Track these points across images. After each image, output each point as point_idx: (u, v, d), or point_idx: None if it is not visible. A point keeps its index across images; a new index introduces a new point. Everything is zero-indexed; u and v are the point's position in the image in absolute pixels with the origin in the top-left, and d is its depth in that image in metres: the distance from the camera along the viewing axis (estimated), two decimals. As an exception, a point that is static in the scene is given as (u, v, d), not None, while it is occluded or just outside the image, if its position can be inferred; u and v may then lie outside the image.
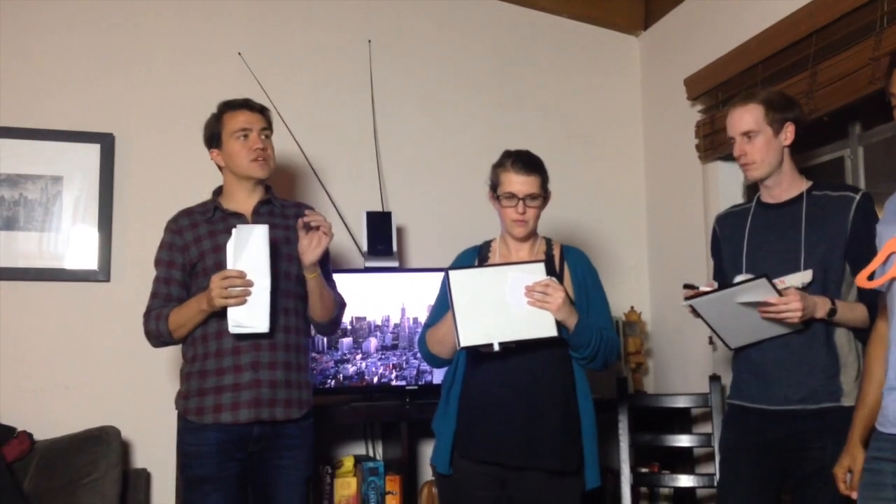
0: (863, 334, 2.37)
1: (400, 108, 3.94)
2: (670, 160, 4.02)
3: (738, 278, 2.42)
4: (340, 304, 2.82)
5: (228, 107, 2.75)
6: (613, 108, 4.26)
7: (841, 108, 2.95)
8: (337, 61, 3.89)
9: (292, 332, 2.68)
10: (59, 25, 3.56)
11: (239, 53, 3.67)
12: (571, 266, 2.64)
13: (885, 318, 2.08)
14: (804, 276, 2.37)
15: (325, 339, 3.40)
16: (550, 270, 2.54)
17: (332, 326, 2.86)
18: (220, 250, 2.60)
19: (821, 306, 2.31)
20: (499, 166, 2.62)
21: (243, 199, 2.74)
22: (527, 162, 2.58)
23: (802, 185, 2.49)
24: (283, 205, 2.81)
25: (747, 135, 2.46)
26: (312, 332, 2.90)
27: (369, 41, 3.88)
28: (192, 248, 2.67)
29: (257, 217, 2.72)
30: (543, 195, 2.60)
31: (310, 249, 2.60)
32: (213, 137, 2.75)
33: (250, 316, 2.48)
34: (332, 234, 2.64)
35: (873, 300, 2.20)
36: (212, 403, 2.57)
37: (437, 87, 4.02)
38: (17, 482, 2.97)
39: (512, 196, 2.55)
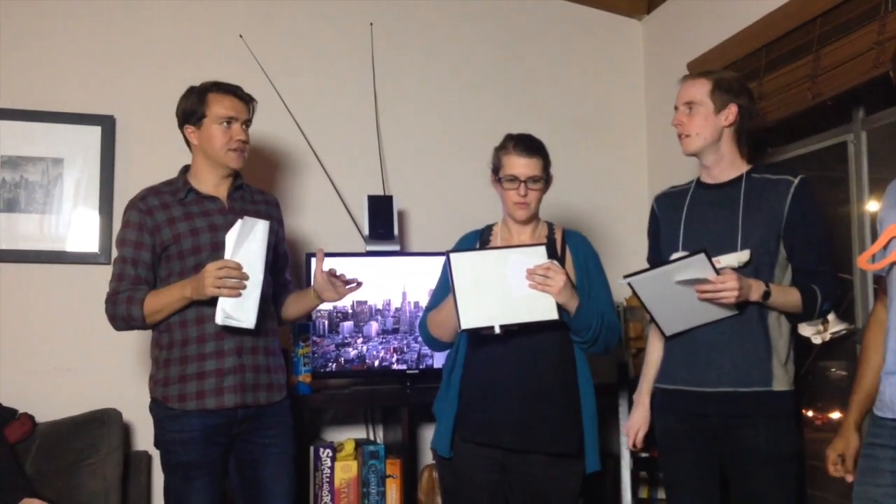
0: (795, 319, 2.38)
1: (402, 92, 3.92)
2: (673, 144, 3.96)
3: (675, 255, 2.41)
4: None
5: (217, 88, 2.68)
6: (616, 92, 4.24)
7: (844, 93, 2.93)
8: (339, 44, 3.88)
9: (268, 318, 2.70)
10: (60, 7, 3.55)
11: (240, 36, 3.65)
12: (573, 250, 2.64)
13: (884, 303, 2.08)
14: (741, 256, 2.38)
15: (326, 323, 3.41)
16: (552, 254, 2.53)
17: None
18: (197, 233, 2.58)
19: (755, 289, 2.32)
20: (501, 149, 2.61)
21: (215, 183, 2.70)
22: (529, 144, 2.57)
23: (742, 167, 2.50)
24: (251, 190, 2.81)
25: (689, 105, 2.48)
26: (313, 315, 2.94)
27: (371, 24, 3.86)
28: (164, 229, 2.60)
29: (232, 202, 2.70)
30: (545, 178, 2.59)
31: (330, 293, 2.70)
32: (193, 115, 2.67)
33: (240, 310, 2.46)
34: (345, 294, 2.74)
35: (811, 275, 2.22)
36: (194, 389, 2.54)
37: (438, 71, 4.00)
38: (18, 464, 2.98)
39: (514, 179, 2.54)
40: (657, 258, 2.59)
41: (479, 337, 2.50)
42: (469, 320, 2.39)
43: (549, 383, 2.51)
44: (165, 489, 2.63)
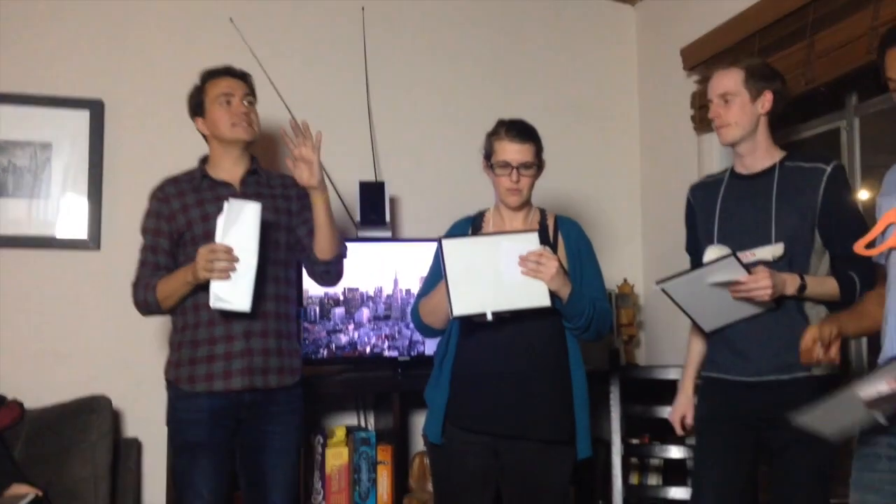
0: (834, 307, 2.37)
1: (393, 77, 3.90)
2: (665, 131, 4.00)
3: (708, 253, 2.42)
4: (343, 244, 2.79)
5: (210, 75, 2.75)
6: (609, 78, 4.23)
7: (838, 79, 2.92)
8: (330, 28, 3.85)
9: (282, 301, 2.68)
10: (46, -11, 3.51)
11: (230, 19, 3.62)
12: (565, 236, 2.63)
13: (883, 288, 2.08)
14: (775, 250, 2.37)
15: (318, 309, 3.39)
16: (544, 240, 2.52)
17: (337, 267, 2.77)
18: (208, 219, 2.58)
19: (790, 283, 2.31)
20: (493, 135, 2.59)
21: (230, 168, 2.73)
22: (521, 130, 2.56)
23: (776, 156, 2.49)
24: (268, 175, 2.80)
25: (724, 97, 2.45)
26: (305, 302, 2.87)
27: (363, 8, 3.83)
28: (179, 216, 2.66)
29: (245, 187, 2.71)
30: (537, 164, 2.58)
31: (307, 174, 2.56)
32: (197, 106, 2.74)
33: (233, 293, 2.46)
34: (316, 147, 2.59)
35: (851, 263, 2.20)
36: (204, 372, 2.58)
37: (430, 56, 3.98)
38: (7, 450, 2.96)
39: (506, 165, 2.53)
40: (695, 248, 2.59)
41: (471, 324, 2.49)
42: (461, 307, 2.38)
43: (540, 370, 2.51)
44: (172, 468, 2.68)
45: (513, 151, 2.53)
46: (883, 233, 1.98)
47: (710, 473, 2.49)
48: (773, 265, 2.34)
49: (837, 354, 2.04)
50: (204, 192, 2.69)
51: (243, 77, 2.76)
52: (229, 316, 2.56)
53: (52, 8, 3.51)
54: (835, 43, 2.89)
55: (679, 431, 2.71)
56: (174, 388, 2.64)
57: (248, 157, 2.77)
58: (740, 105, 2.44)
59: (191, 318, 2.62)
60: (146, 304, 2.64)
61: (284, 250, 2.71)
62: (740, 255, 2.30)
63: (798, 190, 2.39)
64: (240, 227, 2.46)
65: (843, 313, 2.15)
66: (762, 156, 2.49)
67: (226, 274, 2.44)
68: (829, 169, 2.37)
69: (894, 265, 1.98)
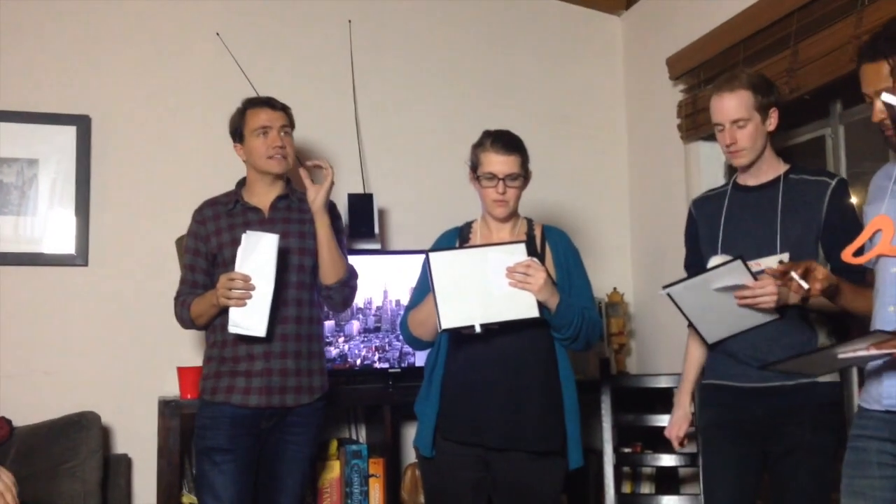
0: (837, 317, 2.37)
1: (381, 89, 3.90)
2: (652, 140, 4.01)
3: (713, 260, 2.42)
4: (351, 271, 2.87)
5: (252, 104, 2.84)
6: (596, 88, 4.24)
7: (822, 87, 2.94)
8: (317, 41, 3.85)
9: (304, 323, 2.78)
10: (32, 6, 3.50)
11: (217, 33, 3.62)
12: (553, 246, 2.63)
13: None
14: (780, 260, 2.37)
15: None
16: (532, 251, 2.52)
17: (343, 293, 2.84)
18: (237, 244, 2.66)
19: (794, 293, 2.30)
20: (478, 146, 2.60)
21: (263, 193, 2.84)
22: (507, 142, 2.56)
23: (780, 168, 2.49)
24: (300, 198, 2.85)
25: (737, 122, 2.43)
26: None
27: (350, 21, 3.84)
28: (212, 238, 2.79)
29: (274, 212, 2.81)
30: (524, 175, 2.59)
31: (315, 196, 2.71)
32: (237, 132, 2.84)
33: (249, 319, 2.58)
34: (331, 170, 2.74)
35: (850, 276, 2.20)
36: (226, 385, 2.70)
37: (417, 68, 3.98)
38: (-4, 469, 2.94)
39: (492, 176, 2.54)
40: (696, 262, 2.57)
41: (461, 336, 2.49)
42: (449, 320, 2.38)
43: (530, 381, 2.51)
44: (196, 474, 2.79)
45: (499, 163, 2.53)
46: (871, 239, 1.99)
47: (723, 482, 2.48)
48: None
49: (816, 289, 2.07)
50: (236, 217, 2.80)
51: (283, 109, 2.84)
52: (252, 338, 2.64)
53: (39, 25, 3.50)
54: (819, 51, 2.90)
55: (676, 447, 2.70)
56: (201, 398, 2.77)
57: (283, 182, 2.86)
58: (754, 129, 2.43)
59: (219, 336, 2.74)
60: (182, 320, 2.81)
61: (309, 273, 2.79)
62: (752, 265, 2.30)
63: (803, 202, 2.40)
64: (257, 257, 2.57)
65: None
66: (766, 168, 2.49)
67: (242, 301, 2.56)
68: (833, 183, 2.39)
69: (881, 271, 1.99)
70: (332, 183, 2.74)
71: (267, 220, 2.79)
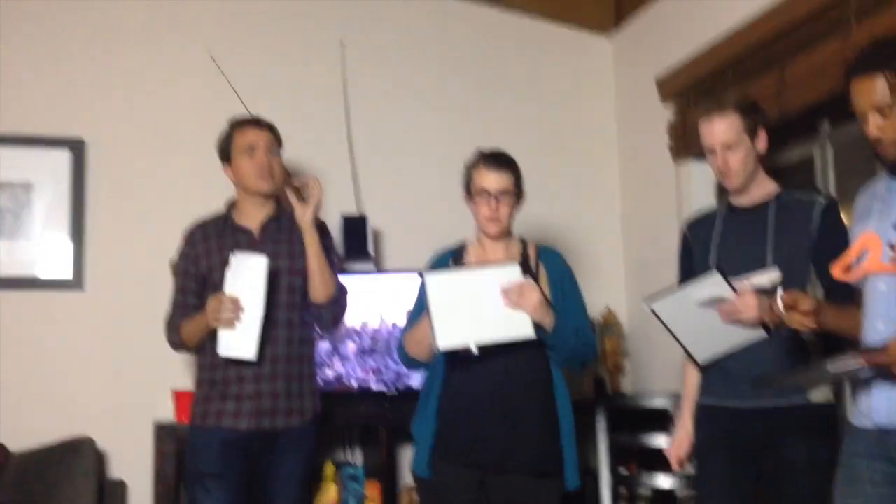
0: (827, 336, 2.37)
1: (373, 110, 3.93)
2: (643, 160, 4.04)
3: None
4: (341, 288, 2.85)
5: (238, 124, 2.83)
6: (587, 108, 4.27)
7: (810, 106, 2.97)
8: (309, 63, 3.88)
9: (295, 344, 2.75)
10: (26, 29, 3.52)
11: (210, 56, 3.64)
12: (547, 266, 2.64)
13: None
14: (772, 276, 2.37)
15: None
16: (526, 271, 2.53)
17: (334, 311, 2.83)
18: (227, 265, 2.64)
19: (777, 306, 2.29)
20: (471, 165, 2.63)
21: (253, 214, 2.82)
22: (499, 160, 2.60)
23: (772, 189, 2.51)
24: (291, 218, 2.82)
25: (727, 146, 2.45)
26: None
27: (342, 42, 3.87)
28: (202, 260, 2.77)
29: (264, 233, 2.80)
30: (516, 192, 2.61)
31: (303, 214, 2.68)
32: (224, 153, 2.83)
33: (238, 342, 2.56)
34: (320, 188, 2.70)
35: (844, 296, 2.22)
36: (216, 409, 2.68)
37: (409, 89, 4.01)
38: (-10, 495, 2.94)
39: (484, 193, 2.56)
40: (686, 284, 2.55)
41: (457, 356, 2.50)
42: (445, 341, 2.38)
43: (526, 401, 2.51)
44: (188, 500, 2.76)
45: (491, 180, 2.56)
46: (858, 258, 2.00)
47: (717, 502, 2.47)
48: (771, 292, 2.30)
49: (805, 322, 2.03)
50: (226, 238, 2.78)
51: (269, 128, 2.83)
52: (241, 360, 2.63)
53: (33, 49, 3.52)
54: (807, 71, 2.94)
55: (676, 467, 2.67)
56: (192, 422, 2.75)
57: (273, 203, 2.84)
58: (745, 151, 2.45)
59: (209, 358, 2.71)
60: (173, 342, 2.80)
61: (299, 294, 2.77)
62: (736, 281, 2.30)
63: (794, 222, 2.41)
64: (246, 279, 2.56)
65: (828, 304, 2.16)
66: (758, 189, 2.51)
67: (231, 324, 2.54)
68: (823, 202, 2.41)
69: (869, 290, 2.00)
70: (320, 199, 2.71)
71: (257, 240, 2.77)
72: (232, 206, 2.87)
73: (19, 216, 3.43)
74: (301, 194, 2.70)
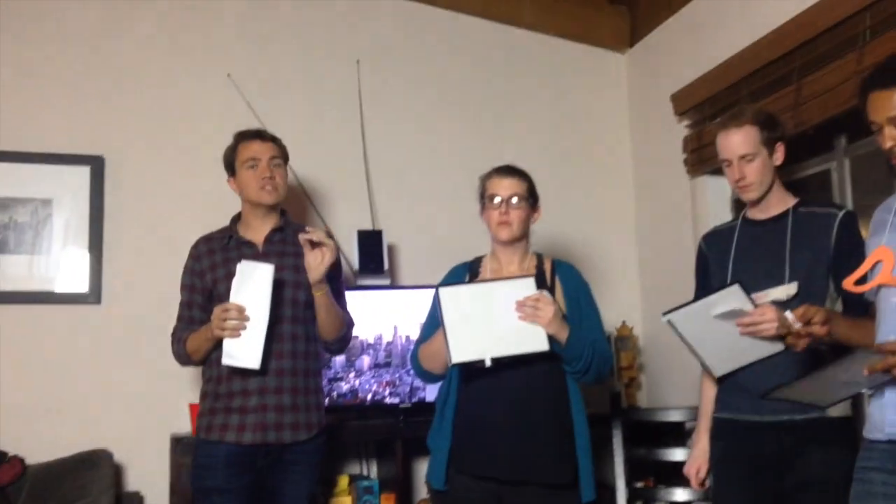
0: (846, 349, 2.36)
1: (389, 127, 3.96)
2: (658, 175, 4.05)
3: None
4: (349, 324, 2.87)
5: (242, 137, 2.86)
6: (601, 124, 4.29)
7: (826, 121, 2.97)
8: (326, 81, 3.91)
9: (300, 357, 2.74)
10: (47, 48, 3.57)
11: (228, 75, 3.69)
12: (563, 280, 2.65)
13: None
14: (788, 289, 2.37)
15: (318, 359, 3.40)
16: (542, 284, 2.54)
17: (340, 345, 2.89)
18: (231, 278, 2.64)
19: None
20: (485, 177, 2.68)
21: (258, 227, 2.83)
22: (510, 168, 2.66)
23: (789, 202, 2.50)
24: (296, 230, 2.82)
25: (744, 158, 2.46)
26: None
27: (358, 61, 3.91)
28: (207, 274, 2.78)
29: (268, 245, 2.80)
30: (528, 199, 2.63)
31: (315, 265, 2.65)
32: (229, 166, 2.85)
33: (242, 351, 2.55)
34: (335, 248, 2.68)
35: (863, 309, 2.21)
36: (220, 422, 2.66)
37: (425, 106, 4.04)
38: (9, 507, 2.96)
39: (496, 198, 2.59)
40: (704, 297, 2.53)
41: (471, 369, 2.50)
42: (459, 354, 2.39)
43: (541, 414, 2.51)
44: None
45: (501, 186, 2.61)
46: (872, 271, 2.00)
47: None
48: (787, 305, 2.31)
49: (819, 331, 2.07)
50: (230, 251, 2.79)
51: (273, 140, 2.85)
52: (245, 372, 2.62)
53: (51, 65, 3.57)
54: (822, 87, 2.94)
55: (695, 486, 2.65)
56: (197, 436, 2.74)
57: (278, 215, 2.86)
58: (762, 163, 2.45)
59: (214, 371, 2.72)
60: (179, 356, 2.79)
61: (303, 307, 2.76)
62: (753, 295, 2.30)
63: (811, 235, 2.40)
64: (252, 287, 2.55)
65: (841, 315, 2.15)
66: (775, 202, 2.50)
67: (236, 332, 2.54)
68: (840, 214, 2.40)
69: (883, 301, 1.99)
70: (334, 257, 2.67)
71: (261, 254, 2.77)
72: (237, 219, 2.89)
73: (39, 232, 3.47)
74: (313, 245, 2.65)
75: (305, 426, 2.71)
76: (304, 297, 2.75)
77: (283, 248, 2.81)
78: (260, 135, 2.85)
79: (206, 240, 2.86)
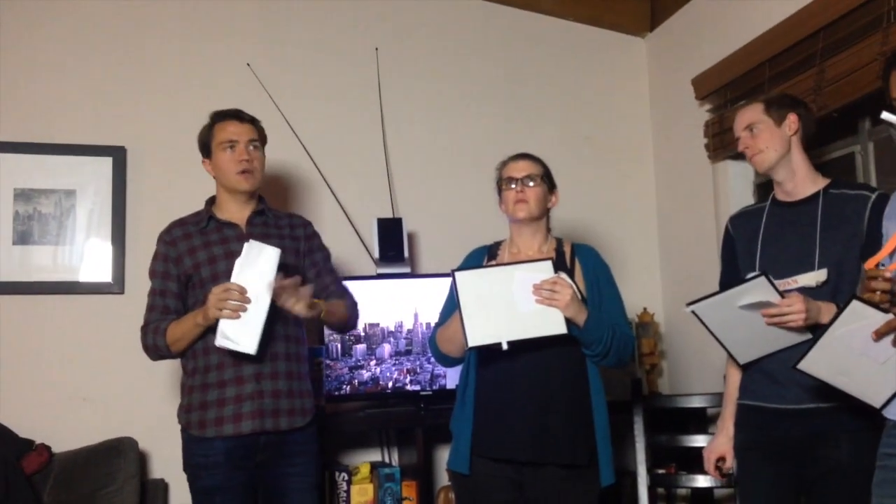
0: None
1: (408, 115, 3.95)
2: (680, 160, 4.02)
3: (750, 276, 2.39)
4: (353, 306, 2.82)
5: (219, 117, 2.74)
6: (621, 109, 4.26)
7: (850, 104, 2.94)
8: (345, 69, 3.91)
9: (292, 342, 2.68)
10: (68, 40, 3.60)
11: (248, 64, 3.70)
12: (583, 263, 2.64)
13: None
14: (818, 276, 2.32)
15: (339, 346, 3.42)
16: (561, 267, 2.54)
17: (344, 331, 2.91)
18: (215, 262, 2.61)
19: (825, 312, 2.24)
20: (500, 165, 2.71)
21: (237, 210, 2.74)
22: (524, 153, 2.69)
23: (819, 183, 2.45)
24: (275, 215, 2.80)
25: (749, 128, 2.47)
26: (325, 339, 2.97)
27: (376, 49, 3.90)
28: (185, 259, 2.66)
29: (251, 227, 2.72)
30: (544, 180, 2.63)
31: (291, 307, 2.51)
32: (205, 147, 2.74)
33: (240, 333, 2.45)
34: (303, 294, 2.52)
35: None
36: (214, 416, 2.57)
37: (444, 93, 4.03)
38: (36, 495, 2.99)
39: (512, 180, 2.60)
40: (732, 279, 2.49)
41: (489, 353, 2.50)
42: (476, 337, 2.39)
43: (559, 395, 2.50)
44: None
45: (516, 168, 2.63)
46: (891, 254, 1.98)
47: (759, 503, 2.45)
48: (817, 291, 2.29)
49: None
50: (210, 234, 2.69)
51: (252, 122, 2.74)
52: (239, 358, 2.55)
53: (73, 57, 3.60)
54: (845, 69, 2.91)
55: (713, 474, 2.60)
56: (187, 433, 2.63)
57: (256, 198, 2.77)
58: (767, 130, 2.44)
59: (201, 361, 2.61)
60: (155, 348, 2.64)
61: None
62: (782, 282, 2.26)
63: (843, 217, 2.35)
64: (256, 269, 2.46)
65: None
66: (803, 182, 2.46)
67: (236, 314, 2.44)
68: (873, 196, 2.34)
69: None
70: (307, 299, 2.51)
71: (246, 235, 2.65)
72: (211, 202, 2.77)
73: (63, 222, 3.50)
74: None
75: (301, 412, 2.64)
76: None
77: (266, 230, 2.71)
78: (238, 115, 2.72)
79: (180, 224, 2.74)
